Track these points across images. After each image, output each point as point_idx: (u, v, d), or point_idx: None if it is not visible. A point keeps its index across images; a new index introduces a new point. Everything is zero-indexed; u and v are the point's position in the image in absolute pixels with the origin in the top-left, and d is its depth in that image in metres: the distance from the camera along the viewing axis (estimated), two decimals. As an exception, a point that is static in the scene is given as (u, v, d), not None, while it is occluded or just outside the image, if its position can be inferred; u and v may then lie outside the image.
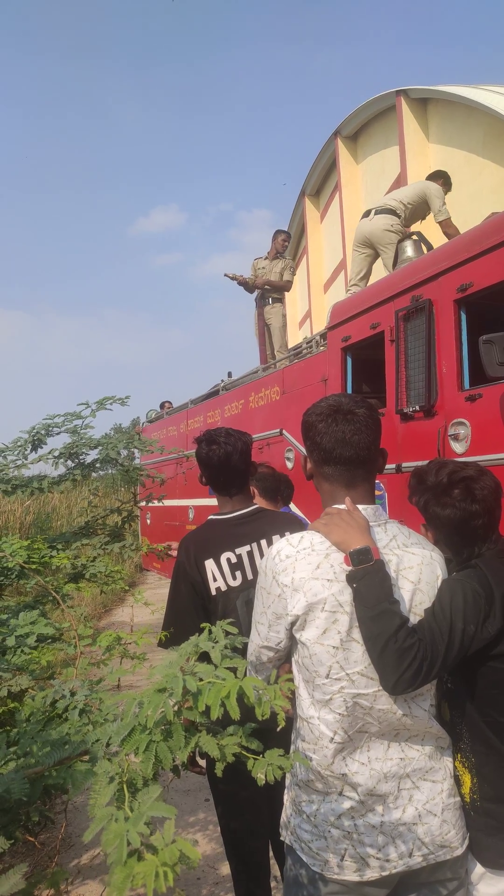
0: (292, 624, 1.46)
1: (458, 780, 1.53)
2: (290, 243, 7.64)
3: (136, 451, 3.45)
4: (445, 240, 5.15)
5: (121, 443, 3.05)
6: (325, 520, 1.50)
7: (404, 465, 3.92)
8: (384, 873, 1.40)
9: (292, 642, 1.50)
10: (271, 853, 2.30)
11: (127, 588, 2.88)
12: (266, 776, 1.13)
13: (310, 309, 13.00)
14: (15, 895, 1.02)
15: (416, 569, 1.49)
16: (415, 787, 1.45)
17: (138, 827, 1.01)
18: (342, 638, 1.42)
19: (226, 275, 7.61)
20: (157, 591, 8.66)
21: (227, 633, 1.40)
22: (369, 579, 1.38)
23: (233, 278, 7.58)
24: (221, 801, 2.27)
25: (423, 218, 5.77)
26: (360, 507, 1.51)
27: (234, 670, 1.20)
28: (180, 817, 3.48)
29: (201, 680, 1.17)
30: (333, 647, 1.42)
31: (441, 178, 5.92)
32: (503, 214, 3.46)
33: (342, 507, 1.51)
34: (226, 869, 2.87)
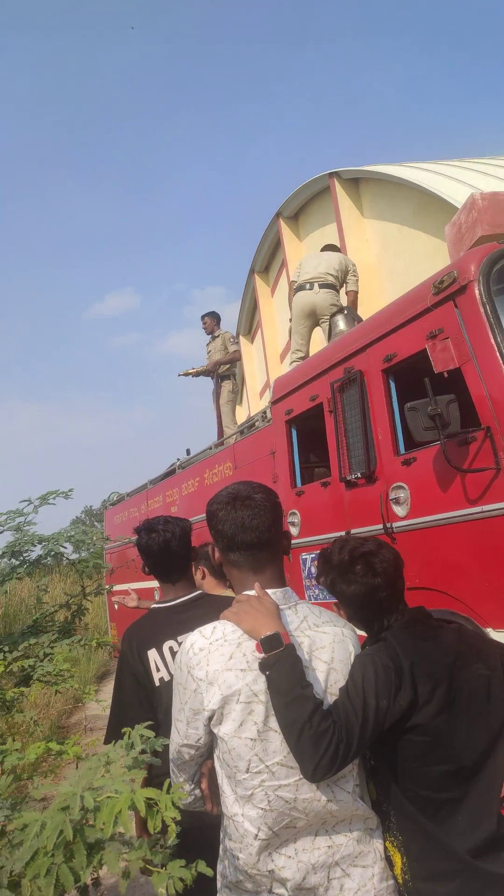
0: (210, 718, 1.46)
1: (389, 862, 1.51)
2: (215, 319, 8.09)
3: (84, 541, 3.43)
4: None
5: (62, 538, 3.05)
6: (236, 608, 1.53)
7: (354, 532, 3.96)
8: None
9: (212, 738, 1.50)
10: None
11: (77, 686, 2.80)
12: (167, 890, 1.11)
13: (268, 379, 13.29)
14: None
15: (329, 648, 1.52)
16: (345, 875, 1.43)
17: None
18: (259, 729, 1.42)
19: (180, 374, 8.01)
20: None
21: (146, 738, 1.40)
22: (280, 665, 1.40)
23: (187, 374, 7.94)
24: None
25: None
26: (269, 591, 1.55)
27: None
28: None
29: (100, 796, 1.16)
30: (251, 740, 1.42)
31: (339, 249, 6.77)
32: (417, 289, 3.66)
33: (252, 593, 1.54)
34: None
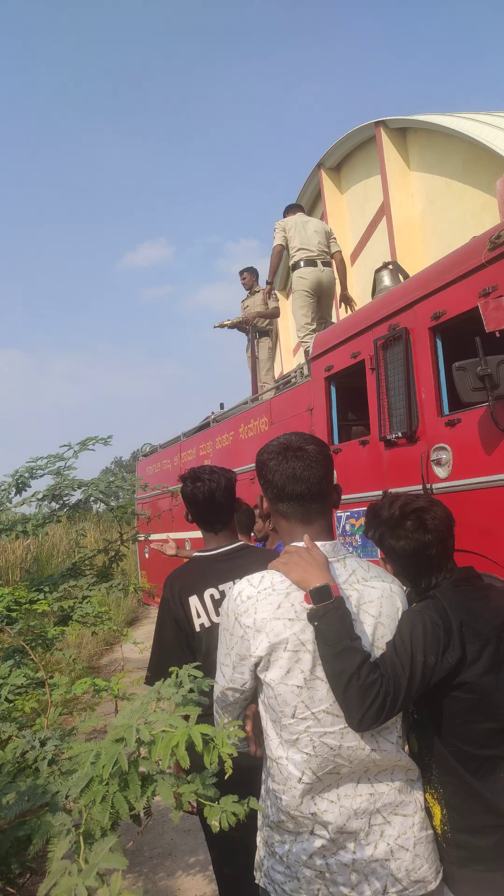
0: (256, 665, 1.47)
1: (429, 813, 1.53)
2: (254, 275, 8.06)
3: (123, 487, 3.47)
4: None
5: (102, 483, 3.09)
6: (285, 558, 1.52)
7: (391, 491, 3.94)
8: None
9: (257, 682, 1.52)
10: None
11: (115, 628, 2.88)
12: (220, 823, 1.14)
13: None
14: None
15: (377, 602, 1.51)
16: (386, 822, 1.45)
17: (88, 880, 1.02)
18: (306, 677, 1.43)
19: (216, 326, 7.90)
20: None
21: (194, 677, 1.42)
22: (329, 617, 1.40)
23: (222, 326, 7.81)
24: (214, 844, 2.25)
25: None
26: (318, 543, 1.53)
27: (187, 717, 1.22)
28: (180, 858, 3.43)
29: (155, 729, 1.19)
30: (297, 687, 1.43)
31: (303, 209, 6.85)
32: (470, 244, 3.53)
33: (301, 544, 1.53)
34: (223, 912, 2.82)
